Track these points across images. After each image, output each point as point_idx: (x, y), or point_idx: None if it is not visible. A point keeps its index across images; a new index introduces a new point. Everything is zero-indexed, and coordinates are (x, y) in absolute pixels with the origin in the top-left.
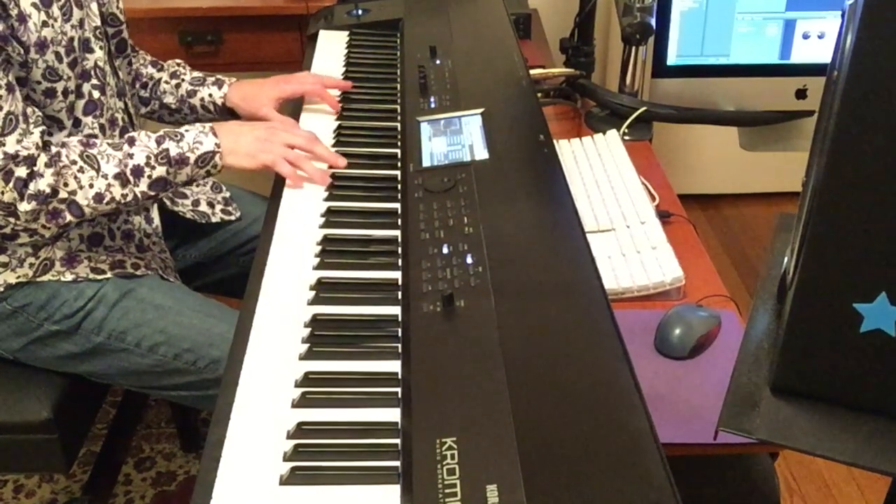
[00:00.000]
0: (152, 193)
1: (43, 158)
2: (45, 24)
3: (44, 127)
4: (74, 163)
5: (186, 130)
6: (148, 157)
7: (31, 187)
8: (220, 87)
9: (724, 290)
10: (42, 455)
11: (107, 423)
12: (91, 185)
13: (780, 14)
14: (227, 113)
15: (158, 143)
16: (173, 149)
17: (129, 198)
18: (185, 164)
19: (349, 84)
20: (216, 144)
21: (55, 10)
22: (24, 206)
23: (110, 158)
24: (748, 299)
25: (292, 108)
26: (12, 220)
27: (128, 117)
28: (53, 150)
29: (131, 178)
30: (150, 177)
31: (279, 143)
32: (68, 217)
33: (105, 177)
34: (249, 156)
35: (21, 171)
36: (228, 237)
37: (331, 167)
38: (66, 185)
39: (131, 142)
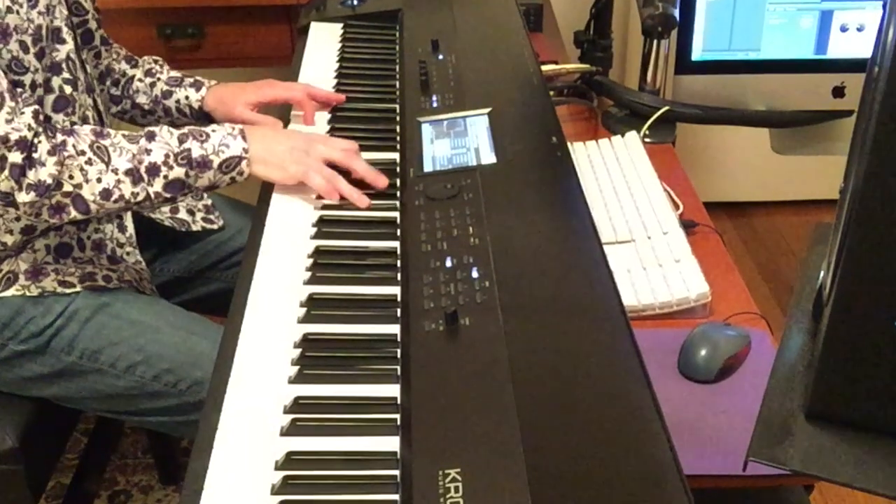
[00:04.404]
0: (168, 195)
1: (45, 145)
2: (9, 9)
3: (37, 107)
4: (83, 153)
5: (213, 130)
6: (167, 156)
7: (31, 176)
8: (197, 90)
9: (754, 307)
10: (5, 488)
11: (78, 453)
12: (98, 180)
13: (815, 5)
14: (203, 118)
15: (181, 141)
16: (196, 149)
17: (141, 197)
18: (207, 167)
19: (342, 98)
20: (244, 149)
21: None
22: (22, 197)
23: (123, 152)
24: (781, 317)
25: (279, 112)
26: (12, 210)
27: (97, 115)
28: (59, 137)
29: (145, 177)
30: (166, 177)
31: (316, 157)
32: (73, 213)
33: (115, 171)
34: (280, 167)
35: (15, 157)
36: (211, 249)
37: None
38: (70, 177)
39: (150, 136)
